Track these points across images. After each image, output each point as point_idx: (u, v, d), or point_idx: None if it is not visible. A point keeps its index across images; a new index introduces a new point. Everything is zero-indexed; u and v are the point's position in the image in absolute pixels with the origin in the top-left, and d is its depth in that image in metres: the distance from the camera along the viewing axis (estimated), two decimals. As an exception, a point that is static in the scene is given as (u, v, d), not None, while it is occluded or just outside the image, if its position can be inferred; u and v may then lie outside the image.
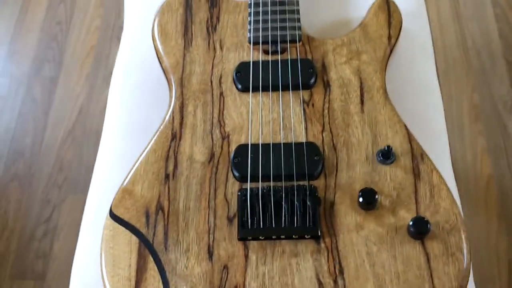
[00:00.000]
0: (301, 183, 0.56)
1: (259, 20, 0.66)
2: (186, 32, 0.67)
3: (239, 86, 0.62)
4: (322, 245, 0.53)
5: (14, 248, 1.05)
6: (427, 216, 0.53)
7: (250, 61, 0.64)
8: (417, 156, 0.57)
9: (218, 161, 0.58)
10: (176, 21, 0.67)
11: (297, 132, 0.59)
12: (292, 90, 0.61)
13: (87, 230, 0.63)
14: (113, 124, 0.69)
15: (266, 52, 0.65)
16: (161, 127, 0.61)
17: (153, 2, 0.73)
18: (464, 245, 0.52)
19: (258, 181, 0.56)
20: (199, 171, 0.57)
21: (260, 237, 0.53)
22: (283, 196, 0.54)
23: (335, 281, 0.51)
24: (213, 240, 0.53)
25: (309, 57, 0.64)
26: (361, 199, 0.54)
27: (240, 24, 0.67)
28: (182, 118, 0.61)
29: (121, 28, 1.30)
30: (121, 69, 0.73)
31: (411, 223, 0.52)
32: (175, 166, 0.58)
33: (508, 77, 1.19)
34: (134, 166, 0.58)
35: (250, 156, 0.57)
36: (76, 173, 1.13)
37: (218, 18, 0.68)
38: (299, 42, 0.64)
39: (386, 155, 0.56)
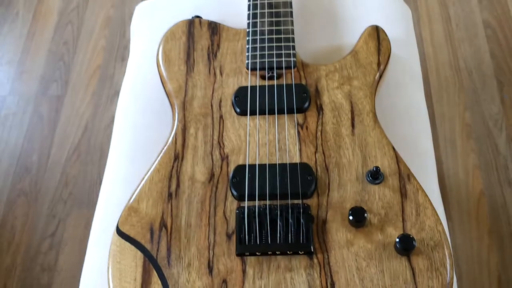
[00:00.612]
0: (295, 201, 0.59)
1: (257, 47, 0.70)
2: (188, 58, 0.71)
3: (238, 110, 0.66)
4: (315, 260, 0.56)
5: (20, 261, 1.08)
6: (413, 233, 0.56)
7: (248, 86, 0.68)
8: (404, 176, 0.60)
9: (217, 180, 0.61)
10: (179, 49, 0.72)
11: (292, 153, 0.63)
12: (287, 113, 0.65)
13: (94, 245, 0.66)
14: (119, 145, 0.73)
15: (263, 77, 0.69)
16: (165, 148, 0.64)
17: (157, 28, 0.77)
18: (448, 261, 0.55)
19: (255, 200, 0.59)
20: (200, 190, 0.61)
21: (257, 253, 0.57)
22: (278, 214, 0.58)
23: (327, 294, 0.54)
24: (213, 256, 0.57)
25: (303, 82, 0.68)
26: (351, 217, 0.57)
27: (239, 51, 0.71)
28: (184, 139, 0.65)
29: (125, 48, 1.35)
30: (127, 91, 0.77)
31: (398, 240, 0.55)
32: (178, 185, 0.61)
33: (498, 97, 1.23)
34: (139, 185, 0.62)
35: (248, 176, 0.61)
36: (80, 188, 1.16)
37: (218, 46, 0.72)
38: (294, 68, 0.68)
39: (375, 176, 0.60)
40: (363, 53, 0.70)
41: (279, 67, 0.68)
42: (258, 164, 0.62)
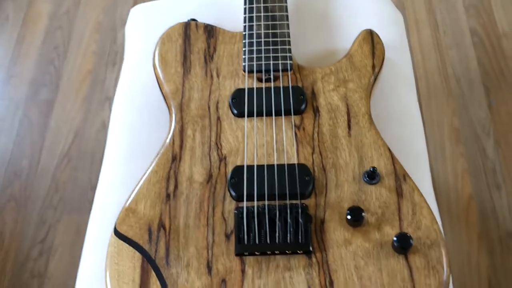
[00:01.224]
0: (293, 201, 0.60)
1: (253, 50, 0.71)
2: (185, 61, 0.71)
3: (235, 112, 0.67)
4: (314, 259, 0.57)
5: (10, 267, 1.06)
6: (410, 232, 0.57)
7: (245, 88, 0.68)
8: (400, 176, 0.61)
9: (215, 181, 0.62)
10: (175, 51, 0.72)
11: (289, 154, 0.63)
12: (284, 115, 0.66)
13: (91, 246, 0.66)
14: (115, 146, 0.73)
15: (259, 79, 0.69)
16: (162, 149, 0.64)
17: (153, 30, 0.77)
18: (444, 259, 0.56)
19: (254, 200, 0.60)
20: (198, 191, 0.61)
21: (256, 253, 0.57)
22: (277, 214, 0.58)
23: (326, 293, 0.55)
24: (211, 256, 0.57)
25: (300, 84, 0.69)
26: (349, 217, 0.58)
27: (235, 54, 0.72)
28: (181, 141, 0.65)
29: (116, 53, 1.35)
30: (122, 94, 0.77)
31: (395, 238, 0.56)
32: (176, 186, 0.61)
33: (486, 102, 1.26)
34: (137, 186, 0.62)
35: (246, 177, 0.61)
36: (71, 194, 1.15)
37: (215, 48, 0.73)
38: (290, 70, 0.69)
39: (372, 176, 0.61)
40: (358, 57, 0.71)
41: (276, 70, 0.69)
42: (256, 165, 0.62)
